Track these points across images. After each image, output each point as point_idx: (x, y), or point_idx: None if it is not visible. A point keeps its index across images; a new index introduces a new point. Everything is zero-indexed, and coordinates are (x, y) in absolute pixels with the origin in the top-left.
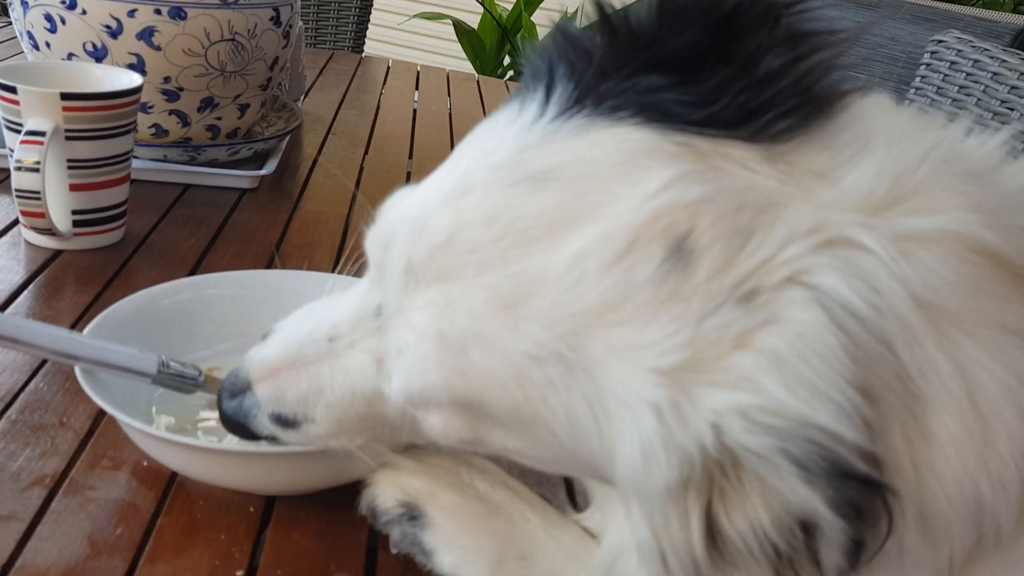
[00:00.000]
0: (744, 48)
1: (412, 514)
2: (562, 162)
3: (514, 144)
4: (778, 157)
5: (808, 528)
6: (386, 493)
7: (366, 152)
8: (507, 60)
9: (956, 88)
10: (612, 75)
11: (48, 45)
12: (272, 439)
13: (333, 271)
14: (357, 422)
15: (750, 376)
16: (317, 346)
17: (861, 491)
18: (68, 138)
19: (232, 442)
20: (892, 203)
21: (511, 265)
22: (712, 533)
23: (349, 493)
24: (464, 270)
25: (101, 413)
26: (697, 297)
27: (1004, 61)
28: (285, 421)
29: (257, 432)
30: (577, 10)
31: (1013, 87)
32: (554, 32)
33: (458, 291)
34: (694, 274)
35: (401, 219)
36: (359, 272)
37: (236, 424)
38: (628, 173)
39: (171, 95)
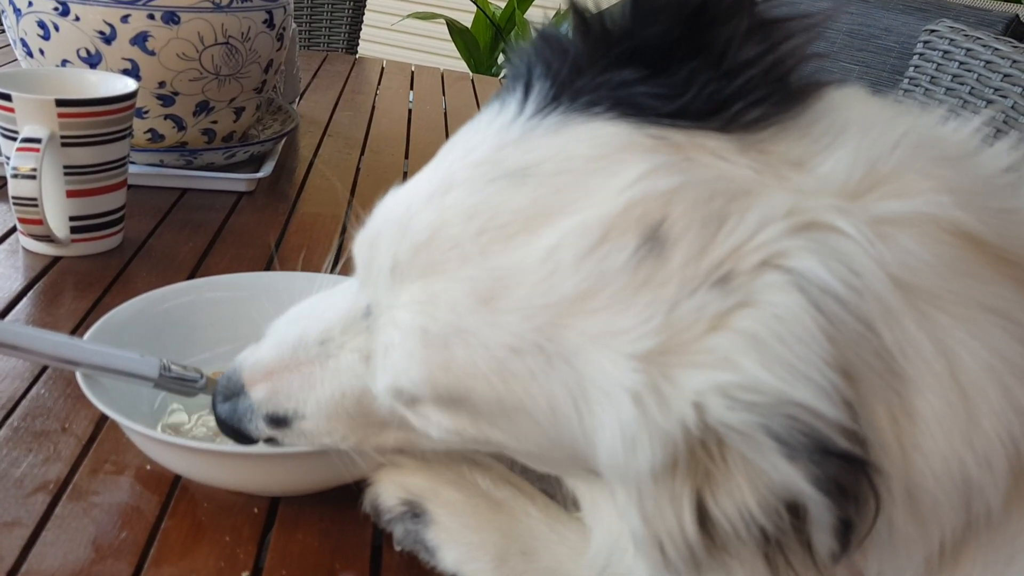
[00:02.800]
0: (715, 39)
1: (415, 512)
2: (539, 158)
3: (494, 142)
4: (752, 146)
5: (794, 510)
6: (388, 491)
7: (362, 153)
8: (501, 58)
9: (950, 77)
10: (587, 71)
11: (42, 52)
12: (268, 441)
13: (332, 271)
14: (348, 420)
15: (728, 356)
16: (309, 349)
17: (844, 468)
18: (64, 144)
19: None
20: (867, 189)
21: (490, 260)
22: (706, 520)
23: (352, 492)
24: (446, 266)
25: (103, 418)
26: (672, 283)
27: (997, 50)
28: (278, 420)
29: (252, 435)
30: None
31: (1006, 75)
32: (531, 34)
33: (440, 287)
34: (668, 261)
35: (386, 219)
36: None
37: (231, 428)
38: (603, 167)
39: (166, 100)
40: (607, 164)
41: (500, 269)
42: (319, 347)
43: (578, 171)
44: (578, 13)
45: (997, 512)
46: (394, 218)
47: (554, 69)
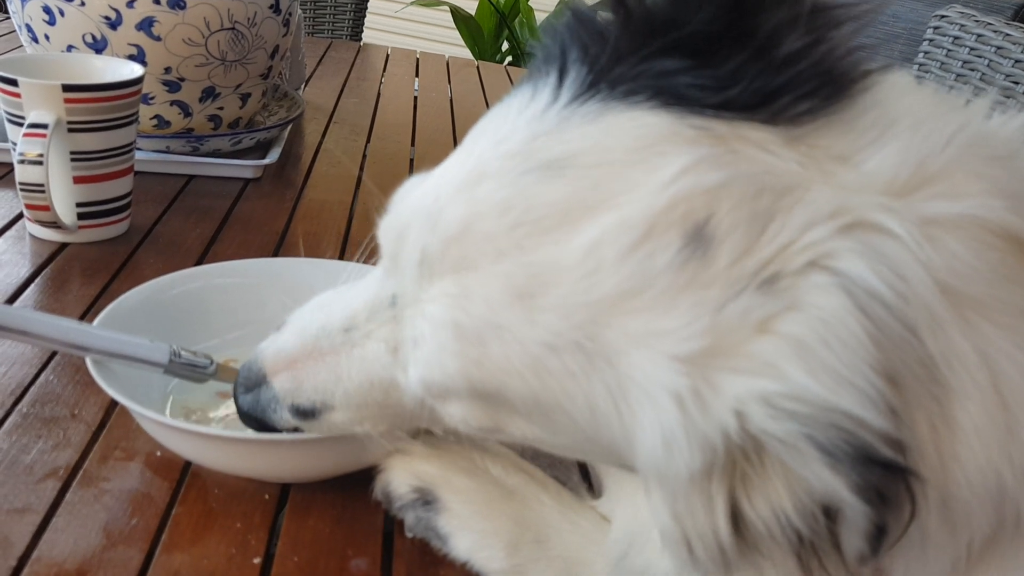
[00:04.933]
0: (761, 28)
1: (426, 499)
2: (577, 149)
3: (527, 131)
4: (798, 140)
5: (830, 513)
6: (400, 478)
7: (368, 140)
8: (505, 45)
9: (960, 64)
10: (626, 58)
11: (47, 37)
12: (293, 431)
13: (340, 258)
14: (376, 410)
15: (772, 362)
16: (333, 337)
17: (885, 476)
18: (71, 130)
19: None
20: (916, 187)
21: (527, 254)
22: (735, 518)
23: (364, 478)
24: (479, 260)
25: (113, 404)
26: (717, 284)
27: (1008, 35)
28: (305, 412)
29: (276, 425)
30: None
31: (1017, 61)
32: (565, 12)
33: (474, 281)
34: (714, 261)
35: (415, 209)
36: (368, 259)
37: (254, 420)
38: (645, 159)
39: (172, 86)
40: (649, 156)
41: (537, 265)
42: (343, 335)
43: (618, 163)
44: None
45: (1022, 520)
46: (422, 209)
47: (591, 54)
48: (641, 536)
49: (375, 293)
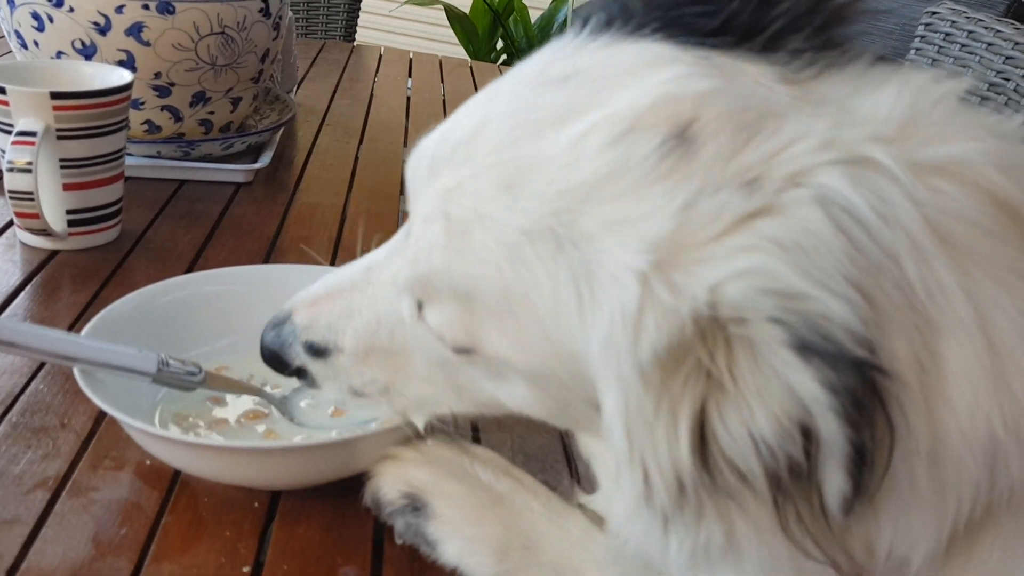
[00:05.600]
0: None
1: (415, 505)
2: (583, 67)
3: (545, 59)
4: (793, 81)
5: (808, 435)
6: (389, 484)
7: (361, 142)
8: (500, 44)
9: (951, 60)
10: (640, 3)
11: (36, 44)
12: (301, 374)
13: (331, 263)
14: (381, 354)
15: (749, 251)
16: (355, 276)
17: (858, 380)
18: (60, 137)
19: (234, 439)
20: (910, 133)
21: (519, 148)
22: (704, 449)
23: (354, 485)
24: (476, 155)
25: (102, 414)
26: (696, 178)
27: (999, 31)
28: (316, 350)
29: (290, 361)
30: None
31: (1008, 57)
32: None
33: (467, 174)
34: (695, 159)
35: (433, 135)
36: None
37: (271, 354)
38: (641, 74)
39: (162, 91)
40: (645, 71)
41: (526, 157)
42: (364, 273)
43: (618, 75)
44: None
45: (1020, 494)
46: (440, 130)
47: (609, 5)
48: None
49: (398, 235)
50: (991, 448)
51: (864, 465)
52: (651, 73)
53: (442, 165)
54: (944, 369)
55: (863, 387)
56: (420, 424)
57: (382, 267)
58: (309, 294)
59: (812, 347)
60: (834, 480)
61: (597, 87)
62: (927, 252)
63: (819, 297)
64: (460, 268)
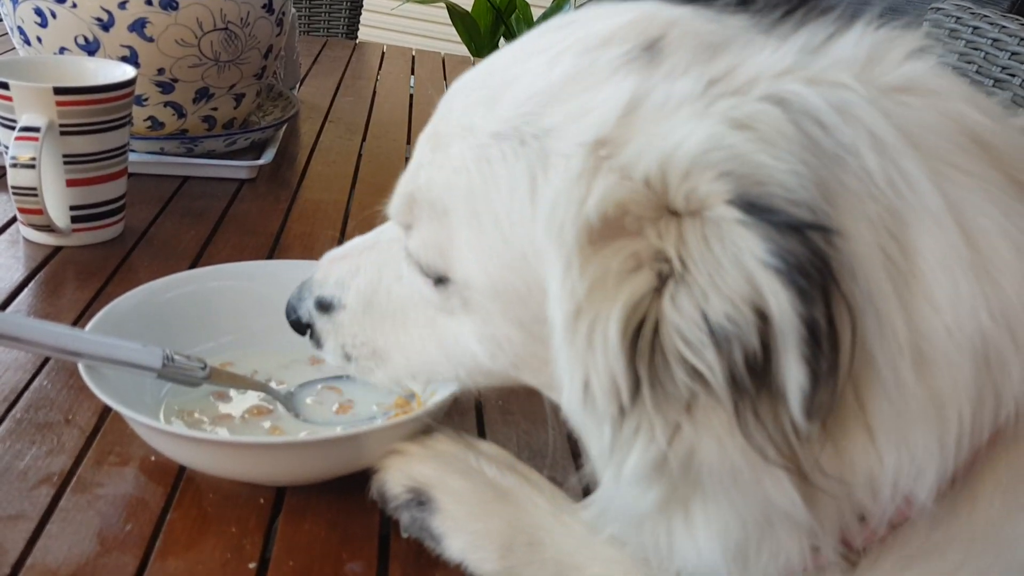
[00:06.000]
0: None
1: (420, 499)
2: (580, 17)
3: (555, 23)
4: (766, 32)
5: (763, 318)
6: (394, 479)
7: (364, 139)
8: (502, 42)
9: (956, 56)
10: None
11: (39, 40)
12: (309, 331)
13: None
14: (376, 312)
15: (700, 124)
16: (369, 238)
17: (807, 250)
18: (63, 133)
19: (239, 435)
20: (874, 65)
21: (508, 72)
22: (652, 346)
23: (359, 481)
24: (473, 88)
25: (106, 409)
26: (658, 75)
27: (1004, 27)
28: (324, 304)
29: (301, 313)
30: None
31: (1013, 53)
32: None
33: (460, 98)
34: (659, 66)
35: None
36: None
37: (291, 307)
38: (623, 13)
39: (166, 87)
40: (631, 9)
41: (511, 76)
42: (375, 235)
43: (606, 17)
44: None
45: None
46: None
47: None
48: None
49: None
50: (982, 345)
51: (820, 349)
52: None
53: (451, 98)
54: (917, 261)
55: (809, 253)
56: (420, 390)
57: (391, 235)
58: (333, 253)
59: (761, 213)
60: (792, 373)
61: (586, 25)
62: (891, 147)
63: (768, 164)
64: (438, 179)
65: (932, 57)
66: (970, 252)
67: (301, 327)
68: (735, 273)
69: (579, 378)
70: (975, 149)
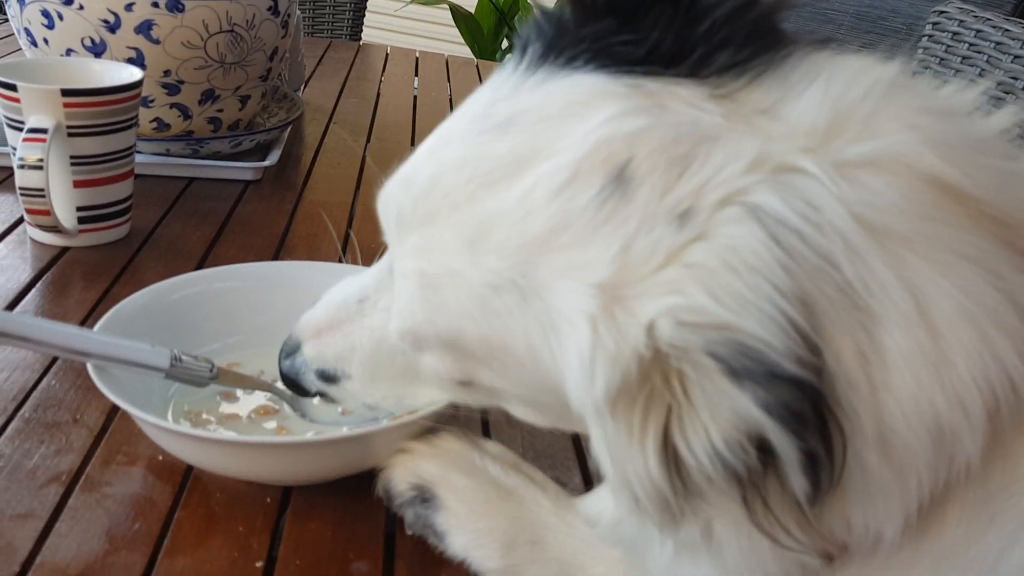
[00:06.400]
0: None
1: (424, 496)
2: (522, 109)
3: (488, 98)
4: (724, 96)
5: (762, 446)
6: (399, 476)
7: (368, 140)
8: (505, 43)
9: (959, 59)
10: (571, 29)
11: (46, 41)
12: (322, 397)
13: (340, 260)
14: (387, 376)
15: (678, 286)
16: (350, 308)
17: (795, 394)
18: (70, 135)
19: (246, 435)
20: (837, 133)
21: (476, 205)
22: (675, 462)
23: (365, 481)
24: (440, 213)
25: (114, 408)
26: (633, 219)
27: (1007, 31)
28: (327, 377)
29: (307, 387)
30: None
31: (1016, 56)
32: (535, 8)
33: (435, 232)
34: (632, 199)
35: (397, 177)
36: (367, 260)
37: (291, 380)
38: (577, 113)
39: (172, 88)
40: (581, 110)
41: (483, 213)
42: (358, 305)
43: (554, 118)
44: None
45: (976, 467)
46: (402, 175)
47: (545, 32)
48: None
49: (382, 264)
50: (936, 429)
51: (819, 466)
52: (586, 112)
53: (409, 220)
54: (887, 359)
55: (804, 401)
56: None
57: (374, 301)
58: (312, 323)
59: (746, 373)
60: (795, 480)
61: (537, 132)
62: (859, 248)
63: (749, 321)
64: (441, 321)
65: (905, 93)
66: (932, 343)
67: (310, 394)
68: (734, 419)
69: (627, 493)
70: (945, 210)
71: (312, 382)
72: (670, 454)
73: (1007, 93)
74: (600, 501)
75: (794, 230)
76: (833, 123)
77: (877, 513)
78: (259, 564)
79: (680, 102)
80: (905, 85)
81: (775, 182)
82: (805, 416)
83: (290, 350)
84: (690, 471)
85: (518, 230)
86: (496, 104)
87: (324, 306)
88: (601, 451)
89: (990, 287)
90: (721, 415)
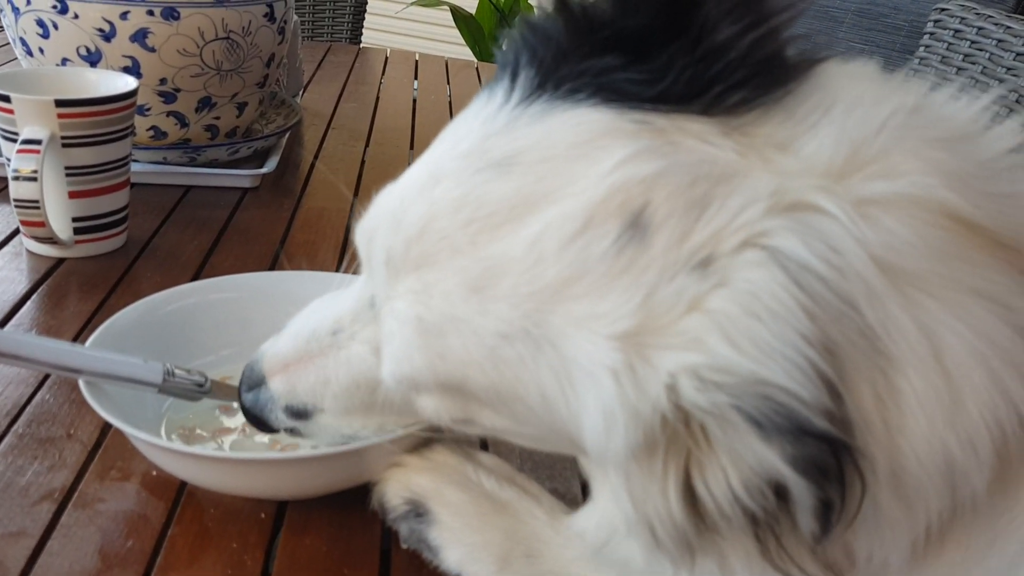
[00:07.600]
0: (695, 20)
1: (418, 511)
2: (523, 147)
3: (480, 132)
4: (736, 129)
5: (779, 491)
6: (393, 490)
7: (367, 145)
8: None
9: (961, 57)
10: (570, 58)
11: (41, 51)
12: (290, 431)
13: (337, 269)
14: (363, 409)
15: (699, 337)
16: (322, 340)
17: (821, 448)
18: (65, 145)
19: (240, 449)
20: (853, 169)
21: (479, 249)
22: (693, 500)
23: (360, 495)
24: (437, 257)
25: (108, 424)
26: (653, 268)
27: (1009, 28)
28: (298, 413)
29: (273, 425)
30: None
31: (1018, 54)
32: (520, 23)
33: (433, 277)
34: (650, 247)
35: (382, 212)
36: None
37: (255, 418)
38: (586, 154)
39: (168, 96)
40: (589, 150)
41: (489, 259)
42: (331, 338)
43: (561, 158)
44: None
45: (982, 496)
46: (388, 211)
47: (539, 56)
48: (621, 528)
49: (358, 296)
50: (948, 470)
51: (832, 512)
52: (595, 155)
53: (401, 262)
54: (901, 402)
55: (831, 457)
56: None
57: (350, 333)
58: (279, 356)
59: (774, 428)
60: (805, 523)
61: (542, 173)
62: (879, 292)
63: (775, 373)
64: (443, 368)
65: (918, 125)
66: (946, 385)
67: (275, 431)
68: (756, 467)
69: (648, 532)
70: (959, 245)
71: (279, 419)
72: (689, 494)
73: (1011, 91)
74: (586, 520)
75: (817, 275)
76: (850, 158)
77: (884, 544)
78: None
79: (692, 138)
80: (920, 111)
81: (793, 223)
82: (829, 469)
83: (253, 383)
84: (708, 511)
85: (528, 277)
86: (491, 139)
87: (292, 337)
88: (621, 494)
89: (1001, 323)
90: (743, 463)
